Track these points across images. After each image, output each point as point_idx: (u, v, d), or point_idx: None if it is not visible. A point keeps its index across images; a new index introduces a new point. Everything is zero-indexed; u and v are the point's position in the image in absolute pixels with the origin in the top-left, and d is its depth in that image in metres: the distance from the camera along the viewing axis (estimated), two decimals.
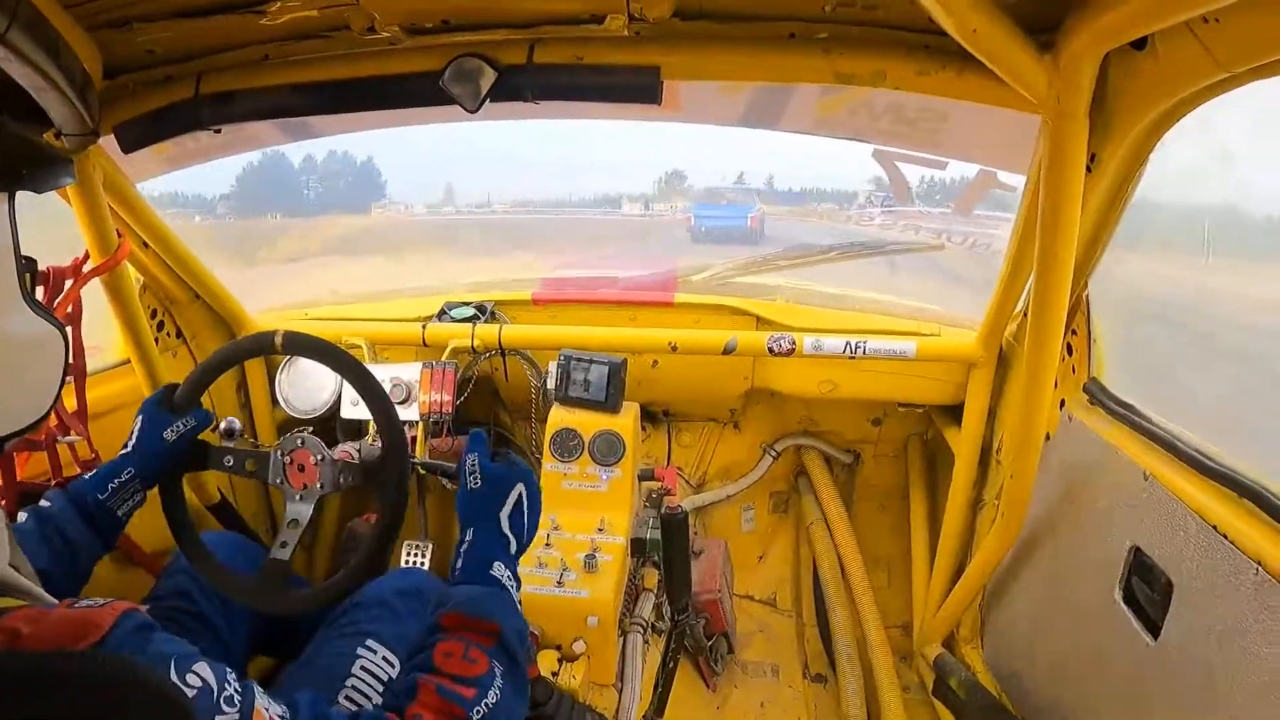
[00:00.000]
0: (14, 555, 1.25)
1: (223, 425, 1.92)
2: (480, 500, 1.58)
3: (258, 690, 1.13)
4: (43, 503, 1.73)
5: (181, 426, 1.83)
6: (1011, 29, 1.49)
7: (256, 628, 2.10)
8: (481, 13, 1.84)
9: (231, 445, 1.89)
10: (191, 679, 1.02)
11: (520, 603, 1.52)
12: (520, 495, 1.60)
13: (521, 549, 1.60)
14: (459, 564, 1.51)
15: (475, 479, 1.60)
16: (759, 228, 18.72)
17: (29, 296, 1.16)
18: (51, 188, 1.22)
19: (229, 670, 1.10)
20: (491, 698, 1.32)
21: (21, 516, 1.71)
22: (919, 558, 3.25)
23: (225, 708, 1.05)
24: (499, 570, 1.50)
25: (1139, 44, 1.50)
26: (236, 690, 1.09)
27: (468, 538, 1.54)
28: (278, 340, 1.74)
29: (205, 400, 1.90)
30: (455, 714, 1.27)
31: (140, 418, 1.83)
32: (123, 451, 1.80)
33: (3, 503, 1.96)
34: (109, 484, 1.76)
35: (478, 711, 1.29)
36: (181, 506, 1.84)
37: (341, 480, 1.80)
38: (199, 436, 1.89)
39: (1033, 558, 2.38)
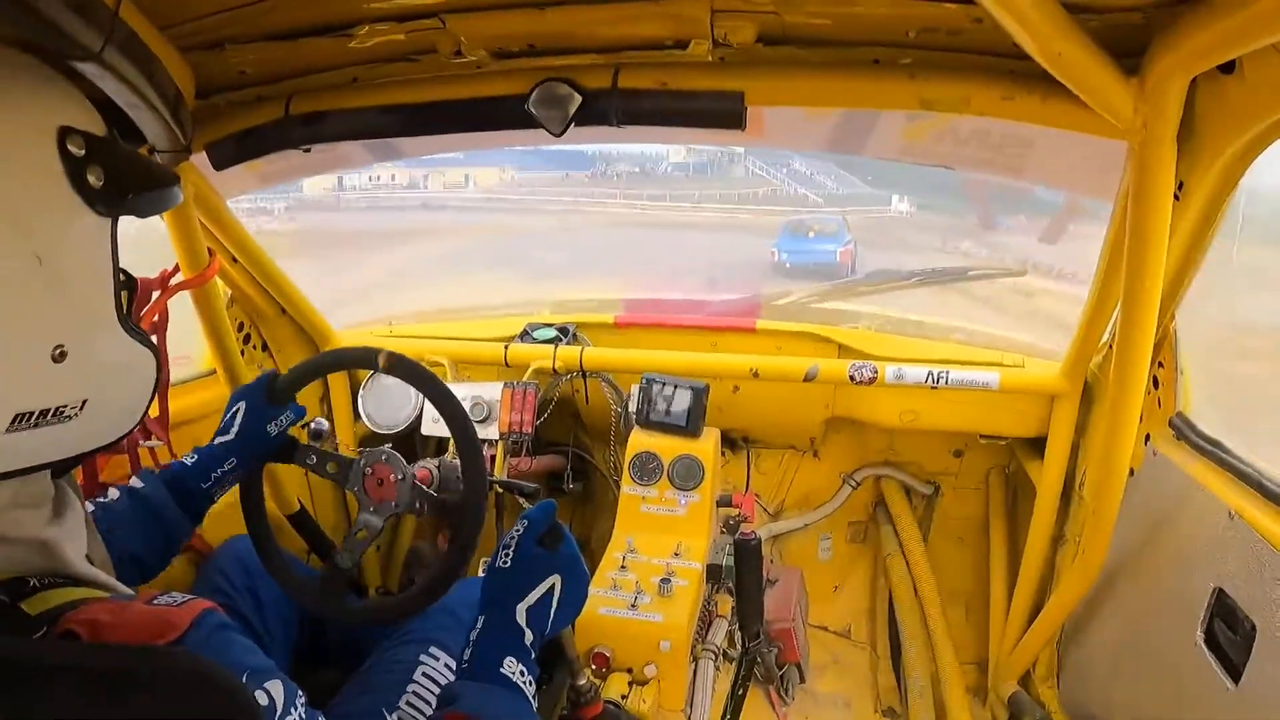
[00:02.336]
0: (91, 546, 1.30)
1: (312, 425, 1.96)
2: (502, 584, 1.46)
3: None
4: (135, 483, 1.76)
5: (283, 420, 1.85)
6: (1097, 53, 1.48)
7: (297, 634, 2.13)
8: (566, 37, 1.87)
9: (317, 445, 1.92)
10: (260, 695, 1.03)
11: (536, 698, 1.41)
12: (552, 588, 1.47)
13: (541, 641, 1.46)
14: (467, 654, 1.40)
15: (507, 558, 1.48)
16: (850, 263, 17.10)
17: (124, 318, 1.20)
18: (156, 212, 1.26)
19: (300, 693, 1.11)
20: None
21: (113, 494, 1.74)
22: (997, 593, 3.18)
23: None
24: (510, 667, 1.38)
25: (1227, 67, 1.47)
26: (301, 716, 1.09)
27: (478, 625, 1.42)
28: (381, 359, 1.75)
29: None
30: None
31: (241, 405, 1.84)
32: (222, 439, 1.82)
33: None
34: (212, 472, 1.79)
35: None
36: (259, 496, 1.88)
37: (417, 505, 1.81)
38: (291, 431, 1.91)
39: (1113, 596, 2.31)
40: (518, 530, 1.51)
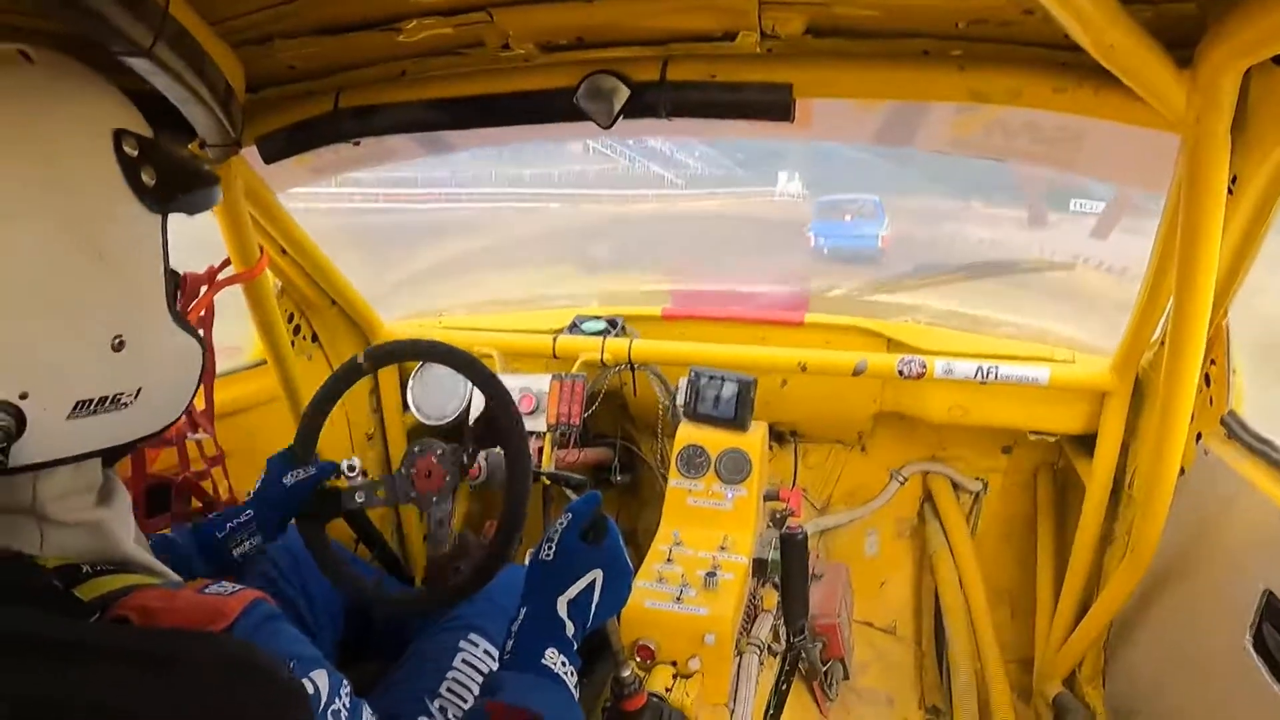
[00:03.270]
0: (137, 535, 1.34)
1: (343, 466, 1.97)
2: (544, 576, 1.47)
3: (367, 711, 1.17)
4: (171, 534, 1.82)
5: (301, 473, 1.88)
6: (1150, 45, 1.46)
7: (343, 626, 2.16)
8: (614, 30, 1.87)
9: (358, 482, 1.92)
10: (306, 684, 1.06)
11: (579, 689, 1.42)
12: (594, 583, 1.47)
13: (583, 633, 1.47)
14: (509, 645, 1.41)
15: (550, 550, 1.49)
16: (890, 248, 16.81)
17: (174, 311, 1.24)
18: (203, 209, 1.29)
19: (345, 683, 1.14)
20: None
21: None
22: (1044, 591, 3.15)
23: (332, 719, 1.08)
24: (551, 658, 1.39)
25: None
26: (346, 705, 1.12)
27: (520, 616, 1.44)
28: (362, 361, 1.80)
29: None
30: None
31: (266, 467, 1.91)
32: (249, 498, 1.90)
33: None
34: (227, 523, 1.84)
35: None
36: (325, 547, 1.89)
37: (436, 526, 1.87)
38: (329, 485, 1.92)
39: (1161, 597, 2.28)
40: (561, 523, 1.52)
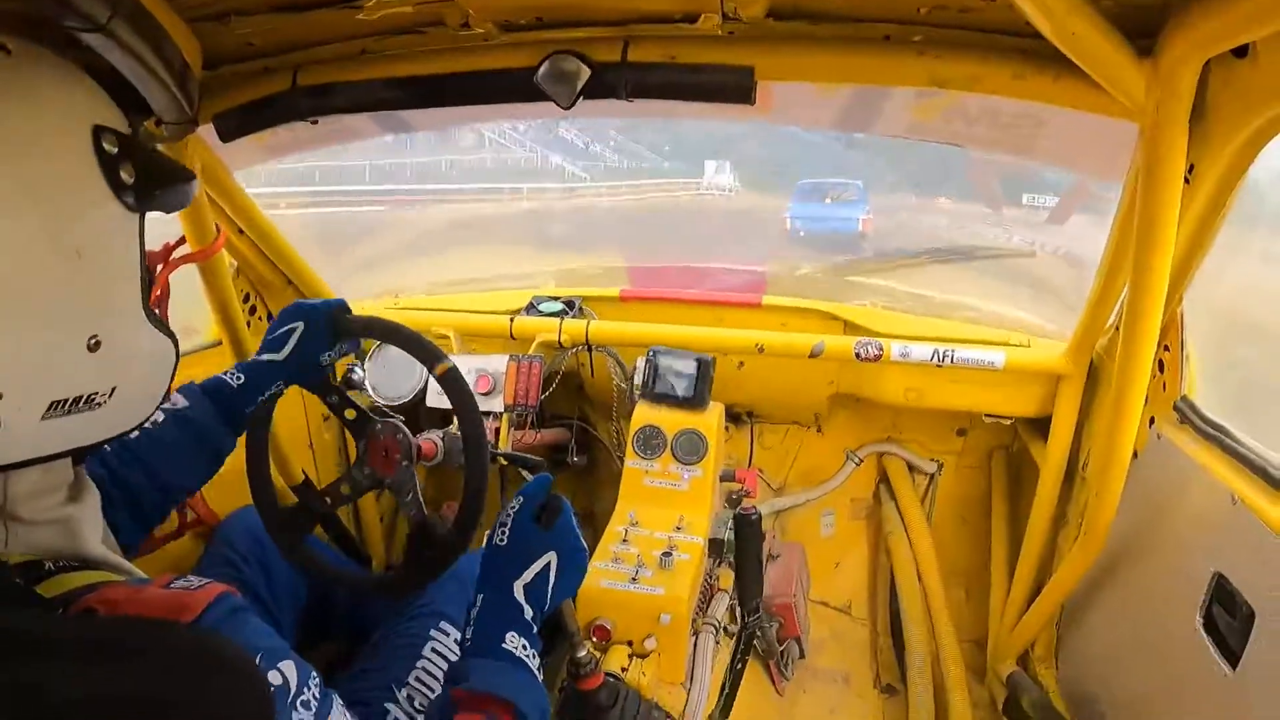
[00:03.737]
0: (105, 536, 1.32)
1: (351, 370, 1.94)
2: (499, 562, 1.49)
3: (337, 701, 1.16)
4: (179, 401, 1.74)
5: (338, 354, 1.85)
6: (1110, 33, 1.46)
7: (303, 605, 2.15)
8: (575, 10, 1.85)
9: (344, 391, 1.91)
10: (274, 675, 1.05)
11: (541, 670, 1.45)
12: (548, 565, 1.49)
13: (542, 616, 1.50)
14: (468, 633, 1.43)
15: (504, 535, 1.51)
16: (871, 231, 16.16)
17: (149, 310, 1.23)
18: (180, 206, 1.28)
19: (315, 674, 1.13)
20: None
21: (158, 416, 1.70)
22: (998, 572, 3.19)
23: (301, 710, 1.07)
24: (512, 641, 1.41)
25: (1240, 51, 1.45)
26: (315, 696, 1.11)
27: (477, 603, 1.46)
28: (440, 368, 1.75)
29: (293, 391, 1.93)
30: None
31: (300, 327, 1.82)
32: (271, 356, 1.81)
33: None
34: (259, 395, 1.80)
35: None
36: (266, 468, 1.89)
37: (406, 496, 1.83)
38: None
39: (1113, 578, 2.32)
40: (514, 506, 1.54)
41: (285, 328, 1.82)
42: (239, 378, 1.79)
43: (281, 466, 2.80)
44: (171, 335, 1.29)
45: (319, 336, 1.82)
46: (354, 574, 1.87)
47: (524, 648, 1.42)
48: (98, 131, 1.10)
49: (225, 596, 1.07)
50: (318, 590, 2.15)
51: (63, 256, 1.05)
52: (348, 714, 1.17)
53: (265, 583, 2.04)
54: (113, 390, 1.15)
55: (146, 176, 1.16)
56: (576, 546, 1.55)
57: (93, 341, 1.10)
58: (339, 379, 1.95)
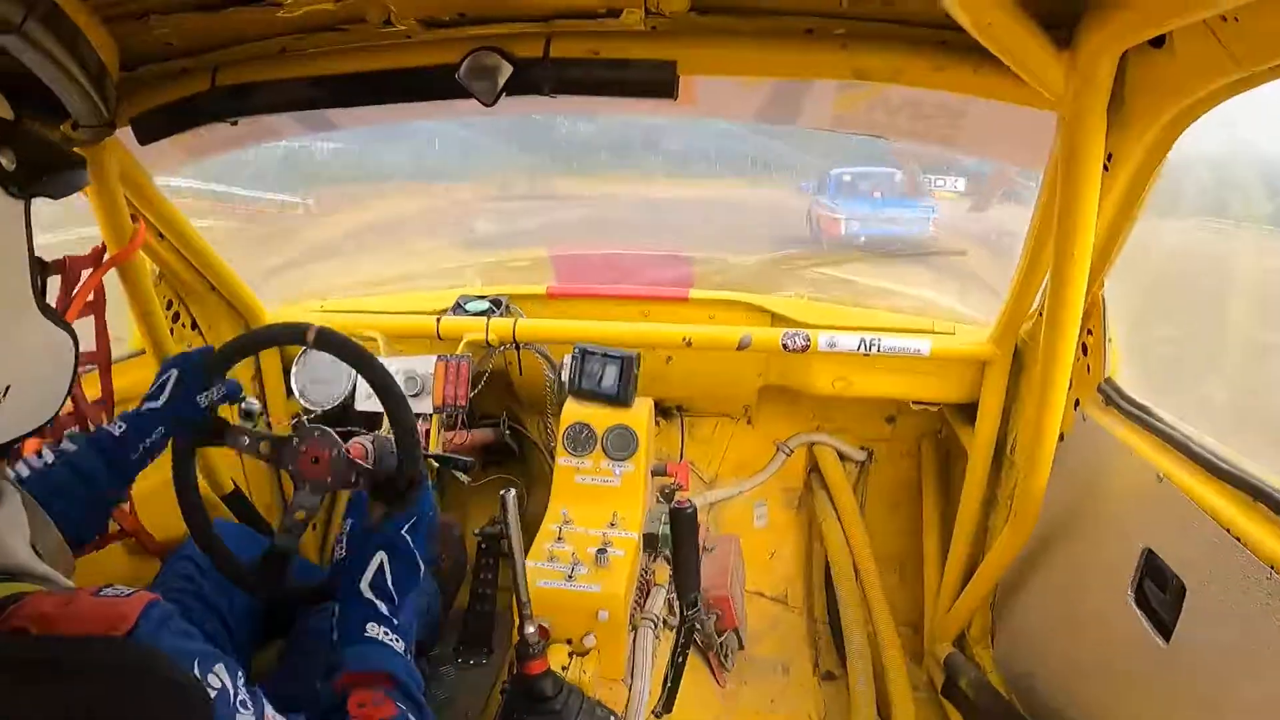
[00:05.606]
0: (40, 531, 1.27)
1: (243, 404, 1.94)
2: (345, 570, 1.65)
3: (265, 700, 1.17)
4: (66, 445, 1.74)
5: (215, 394, 1.85)
6: (1028, 24, 1.48)
7: (262, 613, 2.13)
8: (498, 6, 1.83)
9: (250, 426, 1.90)
10: (212, 679, 1.05)
11: (409, 652, 1.59)
12: (383, 563, 1.63)
13: (399, 607, 1.63)
14: (334, 635, 1.57)
15: (341, 549, 1.73)
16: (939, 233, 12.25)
17: (41, 302, 1.18)
18: (69, 193, 1.23)
19: (240, 671, 1.13)
20: None
21: (47, 456, 1.71)
22: (931, 557, 3.25)
23: (241, 710, 1.08)
24: (373, 630, 1.54)
25: (1157, 42, 1.48)
26: (247, 696, 1.11)
27: (335, 611, 1.60)
28: (310, 334, 1.76)
29: None
30: None
31: (173, 374, 1.84)
32: (150, 406, 1.82)
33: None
34: (140, 443, 1.79)
35: None
36: (192, 480, 1.84)
37: (353, 480, 1.81)
38: (219, 412, 1.90)
39: (1045, 558, 2.37)
40: (348, 521, 1.76)
41: (161, 378, 1.84)
42: (120, 426, 1.80)
43: (210, 476, 2.75)
44: (69, 329, 1.24)
45: (193, 379, 1.84)
46: (289, 582, 1.84)
47: (385, 634, 1.55)
48: None
49: (155, 604, 1.06)
50: (273, 602, 2.13)
51: None
52: (275, 713, 1.18)
53: (225, 596, 2.01)
54: (6, 389, 1.10)
55: (30, 162, 1.12)
56: (401, 545, 1.67)
57: None
58: (238, 418, 1.93)
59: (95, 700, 0.90)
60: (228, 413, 1.91)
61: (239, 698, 1.09)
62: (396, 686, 1.46)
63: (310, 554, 3.42)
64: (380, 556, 1.63)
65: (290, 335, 1.84)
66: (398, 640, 1.56)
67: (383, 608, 1.58)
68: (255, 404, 1.96)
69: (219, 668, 1.08)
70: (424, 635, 2.32)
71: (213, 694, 1.03)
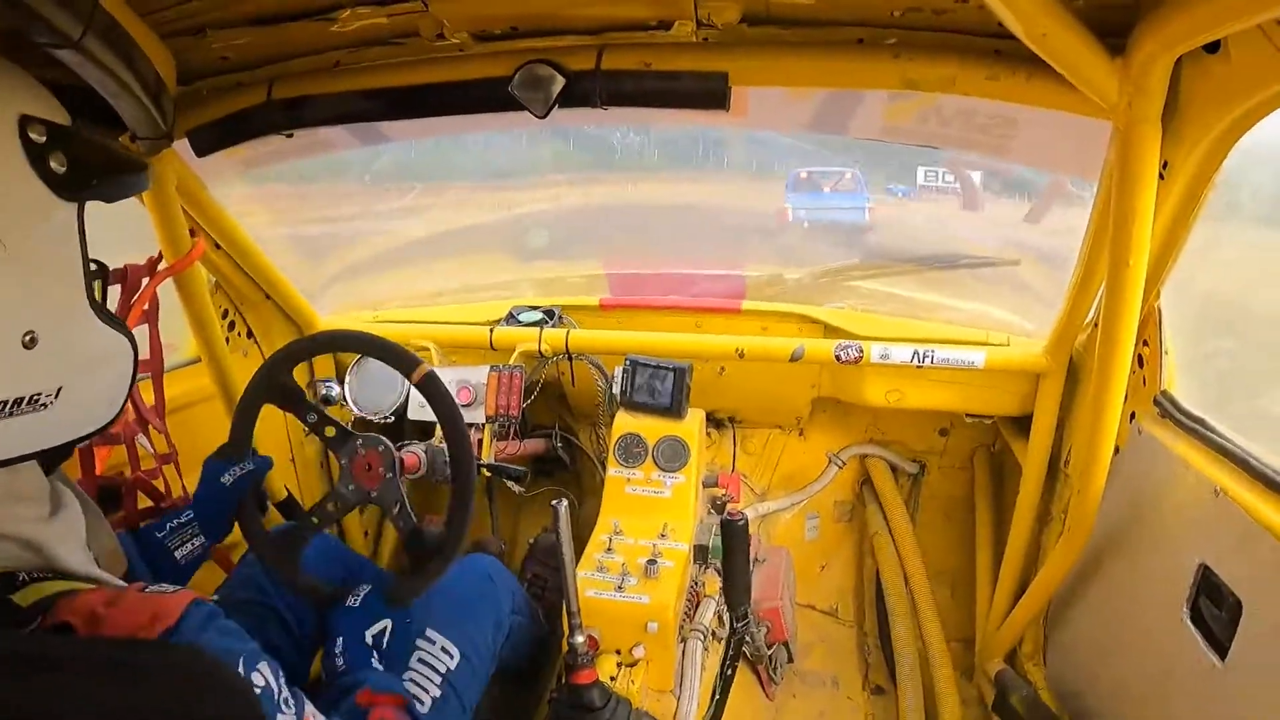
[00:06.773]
0: (98, 533, 1.30)
1: (322, 388, 2.00)
2: (352, 618, 1.89)
3: (305, 699, 1.21)
4: None
5: (238, 470, 1.93)
6: (1082, 32, 1.47)
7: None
8: (549, 19, 1.85)
9: (322, 408, 1.98)
10: (256, 678, 1.08)
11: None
12: (385, 628, 1.87)
13: (385, 661, 1.84)
14: (339, 662, 1.82)
15: (355, 600, 1.92)
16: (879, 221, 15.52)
17: (97, 305, 1.21)
18: (123, 196, 1.26)
19: (280, 669, 1.16)
20: None
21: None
22: (983, 571, 3.20)
23: (284, 708, 1.11)
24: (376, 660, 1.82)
25: (1212, 47, 1.46)
26: (290, 695, 1.15)
27: (338, 643, 1.85)
28: (417, 374, 1.89)
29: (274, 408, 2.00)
30: None
31: (204, 468, 1.95)
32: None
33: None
34: (168, 524, 1.87)
35: None
36: (259, 527, 1.98)
37: (394, 509, 1.92)
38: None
39: (1099, 574, 2.33)
40: (367, 589, 1.94)
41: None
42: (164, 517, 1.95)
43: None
44: (128, 334, 1.26)
45: (213, 467, 1.95)
46: (330, 595, 1.91)
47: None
48: (23, 121, 1.08)
49: (199, 603, 1.08)
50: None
51: None
52: (317, 711, 1.23)
53: (290, 603, 2.05)
54: (59, 391, 1.13)
55: (82, 166, 1.14)
56: (403, 627, 1.89)
57: (28, 338, 1.07)
58: (316, 398, 1.99)
59: (149, 697, 0.92)
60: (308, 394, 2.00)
61: (282, 695, 1.11)
62: (408, 712, 1.69)
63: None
64: (386, 623, 1.86)
65: (402, 363, 1.94)
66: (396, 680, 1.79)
67: (375, 658, 1.82)
68: (335, 389, 2.03)
69: (263, 665, 1.11)
70: (526, 660, 2.42)
71: (258, 691, 1.05)
